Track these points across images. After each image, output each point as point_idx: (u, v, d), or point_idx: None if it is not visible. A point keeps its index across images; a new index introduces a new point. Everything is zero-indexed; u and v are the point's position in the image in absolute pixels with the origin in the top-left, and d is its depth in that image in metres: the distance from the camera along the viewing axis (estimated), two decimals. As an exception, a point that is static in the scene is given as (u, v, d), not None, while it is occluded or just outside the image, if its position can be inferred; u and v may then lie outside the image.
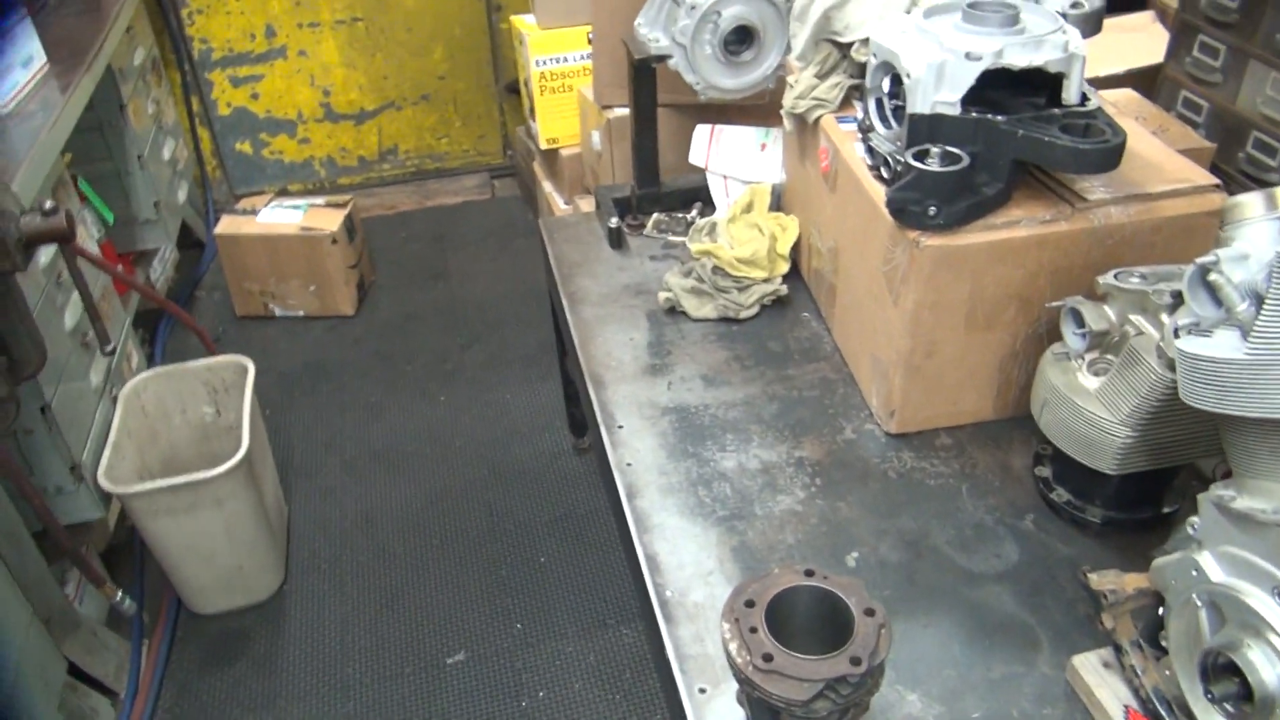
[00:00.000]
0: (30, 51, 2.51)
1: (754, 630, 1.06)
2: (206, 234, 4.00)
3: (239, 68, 4.09)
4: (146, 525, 2.27)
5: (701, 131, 2.29)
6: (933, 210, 1.44)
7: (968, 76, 1.42)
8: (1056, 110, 1.46)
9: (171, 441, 2.60)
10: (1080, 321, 1.42)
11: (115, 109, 3.14)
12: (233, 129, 4.23)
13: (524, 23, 3.27)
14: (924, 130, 1.47)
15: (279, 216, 3.48)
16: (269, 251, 3.45)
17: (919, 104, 1.46)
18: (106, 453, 2.27)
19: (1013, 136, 1.43)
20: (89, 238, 2.73)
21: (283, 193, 4.23)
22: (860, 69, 1.72)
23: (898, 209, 1.47)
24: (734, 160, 2.25)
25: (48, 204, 1.90)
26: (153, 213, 3.35)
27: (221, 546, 2.36)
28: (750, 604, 1.09)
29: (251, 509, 2.36)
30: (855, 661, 1.02)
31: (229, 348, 3.36)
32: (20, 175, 2.10)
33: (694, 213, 2.33)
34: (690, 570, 1.47)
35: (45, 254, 2.27)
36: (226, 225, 3.46)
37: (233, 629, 2.47)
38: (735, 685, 1.14)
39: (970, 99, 1.44)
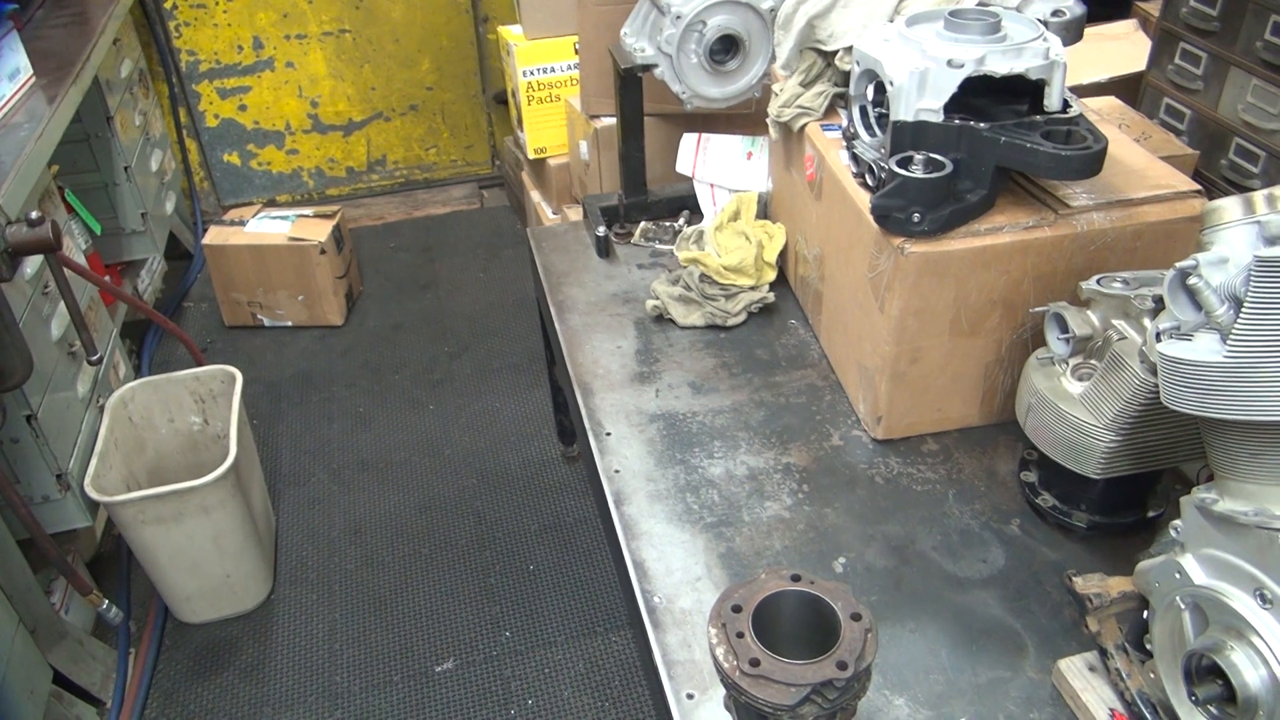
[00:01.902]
0: (17, 64, 2.51)
1: (741, 635, 1.06)
2: (194, 245, 3.99)
3: (226, 79, 4.10)
4: (133, 534, 2.27)
5: (688, 140, 2.31)
6: (917, 217, 1.45)
7: (950, 84, 1.43)
8: (1038, 117, 1.47)
9: (159, 451, 2.60)
10: (1064, 327, 1.43)
11: (102, 121, 3.13)
12: (220, 140, 4.23)
13: (511, 33, 3.28)
14: (907, 137, 1.48)
15: (267, 227, 3.47)
16: (257, 262, 3.45)
17: (902, 111, 1.47)
18: (93, 462, 2.26)
19: (995, 143, 1.44)
20: (76, 248, 2.73)
21: (271, 204, 4.23)
22: (844, 77, 1.74)
23: (882, 216, 1.48)
24: (721, 169, 2.26)
25: (34, 214, 1.90)
26: (140, 224, 3.34)
27: (209, 556, 2.35)
28: (737, 609, 1.09)
29: (239, 518, 2.35)
30: (842, 666, 1.02)
31: (217, 358, 3.37)
32: (6, 187, 2.09)
33: (681, 221, 2.33)
34: (678, 576, 1.47)
35: (32, 264, 2.27)
36: (214, 236, 3.46)
37: (220, 638, 2.46)
38: (723, 690, 1.15)
39: (953, 106, 1.46)
